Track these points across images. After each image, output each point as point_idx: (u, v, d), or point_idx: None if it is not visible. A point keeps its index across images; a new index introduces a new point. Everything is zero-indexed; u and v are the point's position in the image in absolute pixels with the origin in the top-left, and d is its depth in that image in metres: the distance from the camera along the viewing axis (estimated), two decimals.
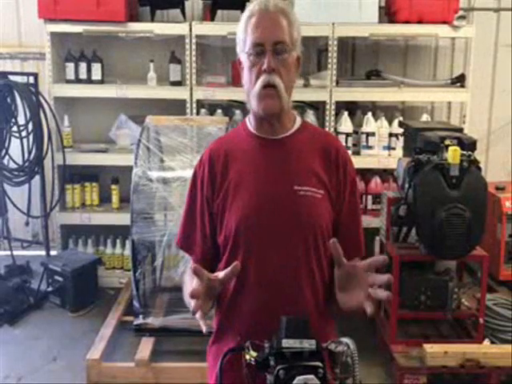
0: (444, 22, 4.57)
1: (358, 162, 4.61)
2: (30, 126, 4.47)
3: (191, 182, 1.79)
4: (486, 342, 3.56)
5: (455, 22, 4.55)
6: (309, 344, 1.35)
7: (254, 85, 1.64)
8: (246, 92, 1.69)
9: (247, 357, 1.42)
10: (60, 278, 4.35)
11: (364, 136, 4.71)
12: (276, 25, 1.62)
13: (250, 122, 1.77)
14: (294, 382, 1.29)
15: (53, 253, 4.78)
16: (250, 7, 1.67)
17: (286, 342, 1.35)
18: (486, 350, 3.38)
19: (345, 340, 1.42)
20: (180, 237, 1.82)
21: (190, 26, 4.57)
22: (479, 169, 3.43)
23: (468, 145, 3.46)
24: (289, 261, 1.65)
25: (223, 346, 1.65)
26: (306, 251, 1.65)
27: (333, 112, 4.63)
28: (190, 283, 1.60)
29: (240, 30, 1.68)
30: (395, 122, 4.67)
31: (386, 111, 4.89)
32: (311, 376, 1.29)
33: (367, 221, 4.53)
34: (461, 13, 4.58)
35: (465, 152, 3.37)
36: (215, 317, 1.78)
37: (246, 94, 1.69)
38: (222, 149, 1.76)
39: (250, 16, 1.65)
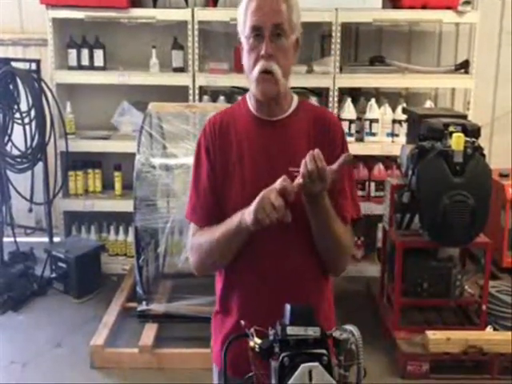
0: (448, 8, 4.53)
1: (362, 149, 4.61)
2: (33, 113, 4.45)
3: (196, 154, 1.82)
4: (489, 329, 3.57)
5: (460, 8, 4.52)
6: (313, 331, 1.34)
7: (252, 69, 1.69)
8: (246, 74, 1.74)
9: (251, 344, 1.42)
10: (63, 265, 4.36)
11: (367, 123, 4.69)
12: (275, 9, 1.66)
13: (250, 101, 1.81)
14: (299, 369, 1.29)
15: (56, 239, 4.79)
16: None
17: (291, 330, 1.34)
18: (488, 337, 3.40)
19: (349, 327, 1.42)
20: (188, 210, 1.83)
21: (193, 11, 4.54)
22: (483, 156, 3.43)
23: (472, 131, 3.45)
24: (285, 236, 1.69)
25: (226, 316, 1.79)
26: (299, 229, 1.69)
27: (336, 98, 4.61)
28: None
29: (241, 12, 1.71)
30: (399, 109, 4.65)
31: (389, 98, 4.85)
32: (316, 363, 1.29)
33: (370, 207, 4.53)
34: None
35: (469, 139, 3.36)
36: (218, 285, 1.84)
37: (246, 76, 1.74)
38: (224, 122, 1.80)
39: (250, 0, 1.68)
